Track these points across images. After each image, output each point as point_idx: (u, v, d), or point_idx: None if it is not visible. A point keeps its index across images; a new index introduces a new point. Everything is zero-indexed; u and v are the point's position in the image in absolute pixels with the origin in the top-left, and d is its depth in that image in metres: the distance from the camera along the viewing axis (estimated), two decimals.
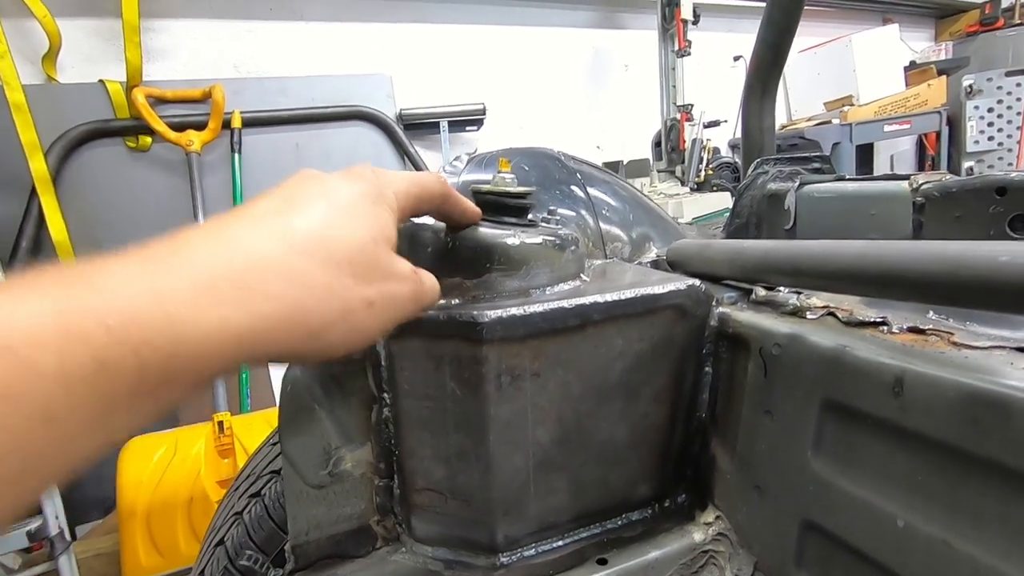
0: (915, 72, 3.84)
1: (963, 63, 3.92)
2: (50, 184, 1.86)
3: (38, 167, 1.83)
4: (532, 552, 0.44)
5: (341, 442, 0.44)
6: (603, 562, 0.43)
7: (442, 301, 0.43)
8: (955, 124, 3.78)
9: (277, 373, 2.16)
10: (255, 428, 1.72)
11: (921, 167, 4.33)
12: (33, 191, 1.85)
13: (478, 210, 0.42)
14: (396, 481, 0.46)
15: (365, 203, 0.30)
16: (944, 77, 3.75)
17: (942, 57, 4.18)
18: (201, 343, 0.21)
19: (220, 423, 1.68)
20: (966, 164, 3.82)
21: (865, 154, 3.80)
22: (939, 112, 3.60)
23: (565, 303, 0.40)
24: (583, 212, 0.58)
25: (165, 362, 0.20)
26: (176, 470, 1.60)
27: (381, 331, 0.29)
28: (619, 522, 0.47)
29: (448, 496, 0.43)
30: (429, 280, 0.33)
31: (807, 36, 3.76)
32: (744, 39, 3.62)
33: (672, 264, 0.57)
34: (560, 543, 0.45)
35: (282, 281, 0.24)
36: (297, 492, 0.44)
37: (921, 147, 4.29)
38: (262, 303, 0.23)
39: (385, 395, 0.44)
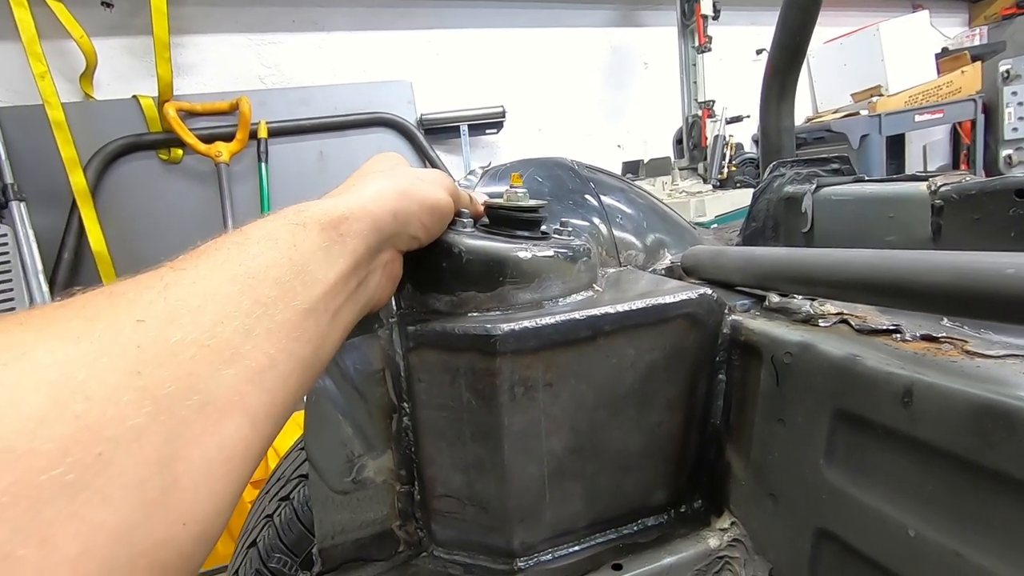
0: (948, 59, 3.71)
1: (999, 48, 3.78)
2: (89, 197, 1.94)
3: (78, 181, 1.92)
4: (548, 557, 0.45)
5: (363, 450, 0.46)
6: (618, 567, 0.44)
7: (457, 314, 0.44)
8: (991, 111, 3.64)
9: None
10: (287, 430, 1.76)
11: (956, 157, 4.19)
12: (73, 204, 1.94)
13: (479, 209, 0.48)
14: (416, 488, 0.47)
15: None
16: (979, 63, 3.62)
17: (976, 42, 4.04)
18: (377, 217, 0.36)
19: None
20: (1004, 152, 3.68)
21: (896, 145, 3.69)
22: (974, 100, 3.48)
23: (577, 315, 0.41)
24: (596, 221, 0.59)
25: (370, 228, 0.35)
26: None
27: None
28: (634, 528, 0.48)
29: (466, 503, 0.45)
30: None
31: (832, 26, 3.67)
32: (766, 31, 3.55)
33: (687, 271, 0.57)
34: (576, 548, 0.46)
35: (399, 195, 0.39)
36: (323, 498, 0.46)
37: (955, 136, 4.15)
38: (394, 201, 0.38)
39: (404, 405, 0.46)
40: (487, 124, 2.68)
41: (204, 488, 0.22)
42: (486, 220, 0.48)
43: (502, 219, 0.47)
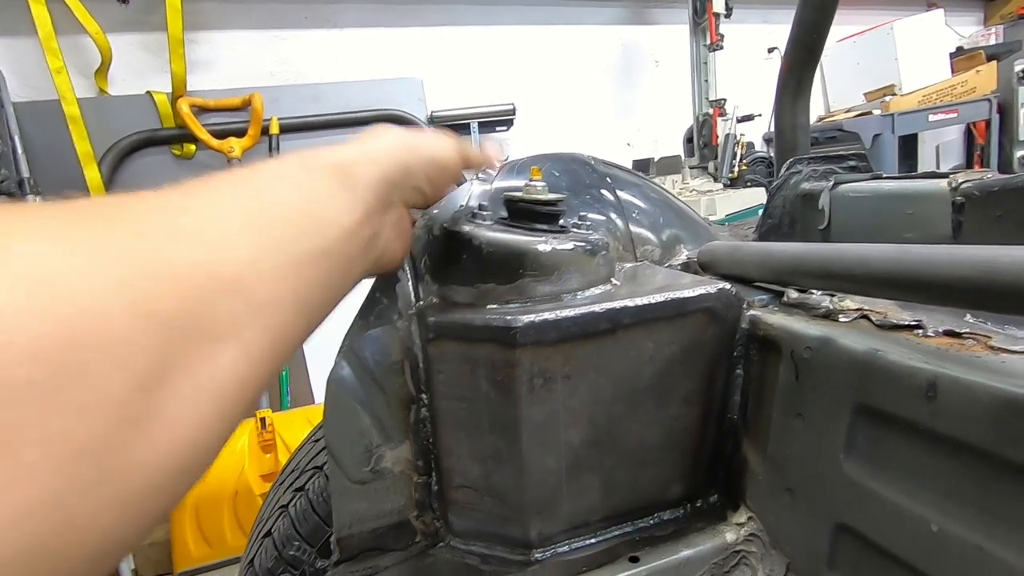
0: (962, 58, 3.67)
1: (1015, 47, 3.73)
2: (103, 192, 1.96)
3: (92, 176, 1.94)
4: (565, 549, 0.45)
5: (381, 440, 0.46)
6: (635, 560, 0.44)
7: (476, 306, 0.44)
8: (1006, 111, 3.60)
9: (316, 371, 2.22)
10: (295, 424, 1.78)
11: (969, 157, 4.14)
12: None
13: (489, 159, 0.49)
14: (434, 478, 0.48)
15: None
16: (994, 63, 3.57)
17: (992, 42, 3.99)
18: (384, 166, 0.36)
19: (262, 419, 1.75)
20: (1019, 153, 3.64)
21: (909, 145, 3.65)
22: (989, 99, 3.44)
23: (596, 307, 0.41)
24: (613, 216, 0.59)
25: (379, 177, 0.35)
26: (221, 464, 1.68)
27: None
28: (651, 521, 0.48)
29: (484, 494, 0.45)
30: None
31: (846, 24, 3.64)
32: (779, 30, 3.54)
33: (703, 266, 0.57)
34: (593, 541, 0.46)
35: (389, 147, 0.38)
36: (341, 487, 0.46)
37: (970, 136, 4.10)
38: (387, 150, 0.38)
39: (423, 396, 0.46)
40: (497, 121, 2.68)
41: (189, 418, 0.20)
42: (505, 213, 0.48)
43: (521, 212, 0.47)
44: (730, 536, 0.46)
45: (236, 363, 0.22)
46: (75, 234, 0.19)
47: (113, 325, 0.18)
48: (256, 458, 1.73)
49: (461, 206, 0.51)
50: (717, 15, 2.74)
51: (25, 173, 1.81)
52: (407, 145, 0.38)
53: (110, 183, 2.01)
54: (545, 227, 0.47)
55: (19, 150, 1.82)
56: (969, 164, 4.10)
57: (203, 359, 0.21)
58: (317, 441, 0.76)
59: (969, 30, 4.27)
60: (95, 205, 0.22)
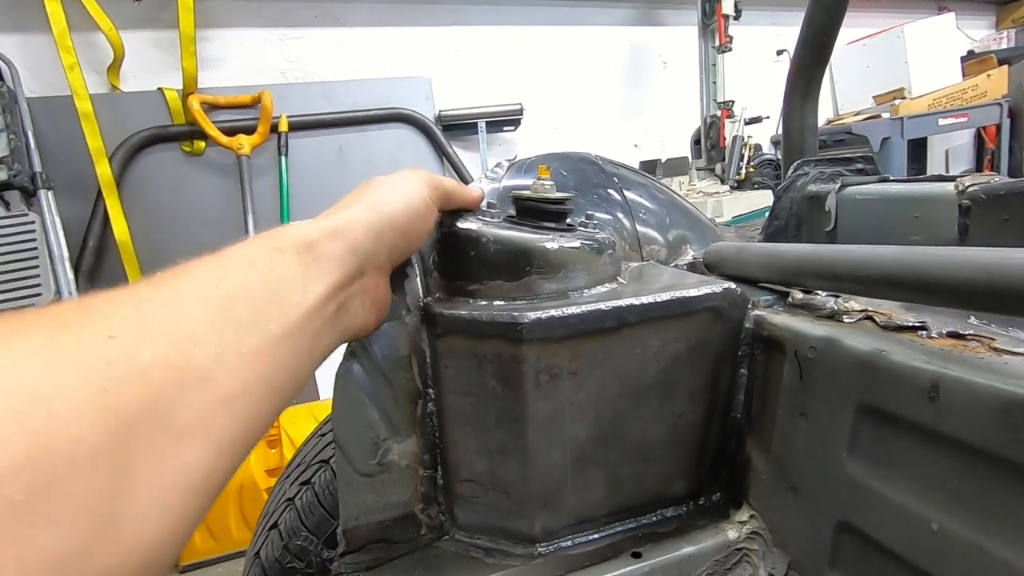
0: (973, 62, 3.65)
1: None
2: (114, 188, 1.98)
3: (103, 171, 1.96)
4: (569, 543, 0.46)
5: (389, 433, 0.47)
6: (638, 556, 0.45)
7: (484, 302, 0.45)
8: (1017, 116, 3.57)
9: (322, 370, 2.23)
10: (300, 420, 1.79)
11: (979, 161, 4.12)
12: (99, 194, 1.98)
13: (477, 196, 0.48)
14: (440, 472, 0.48)
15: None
16: (1005, 67, 3.55)
17: (1004, 46, 3.96)
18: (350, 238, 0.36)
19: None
20: None
21: (918, 149, 3.63)
22: (1000, 104, 3.41)
23: (602, 305, 0.42)
24: (620, 215, 0.60)
25: (345, 250, 0.35)
26: None
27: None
28: (654, 518, 0.48)
29: (489, 488, 0.46)
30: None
31: (855, 27, 3.62)
32: (788, 32, 3.52)
33: (709, 266, 0.57)
34: (596, 536, 0.47)
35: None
36: (348, 479, 0.47)
37: (980, 141, 4.08)
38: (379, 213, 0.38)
39: (430, 391, 0.47)
40: (505, 121, 2.68)
41: (156, 516, 0.21)
42: (513, 211, 0.49)
43: (529, 210, 0.47)
44: (732, 534, 0.46)
45: (203, 457, 0.23)
46: (50, 343, 0.20)
47: (84, 433, 0.19)
48: (261, 453, 1.74)
49: None
50: (726, 17, 2.74)
51: (38, 168, 1.83)
52: (371, 206, 0.38)
53: (121, 179, 2.03)
54: (552, 225, 0.47)
55: (32, 145, 1.84)
56: (979, 169, 4.07)
57: (170, 456, 0.22)
58: (323, 436, 0.76)
59: (980, 34, 4.24)
60: (68, 309, 0.22)
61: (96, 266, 2.01)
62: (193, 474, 0.22)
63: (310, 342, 0.31)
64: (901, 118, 3.12)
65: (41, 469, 0.17)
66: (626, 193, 0.62)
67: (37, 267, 1.74)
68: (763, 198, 2.43)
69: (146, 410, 0.21)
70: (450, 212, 0.47)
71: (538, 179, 0.48)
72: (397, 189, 0.40)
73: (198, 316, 0.25)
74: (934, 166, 3.92)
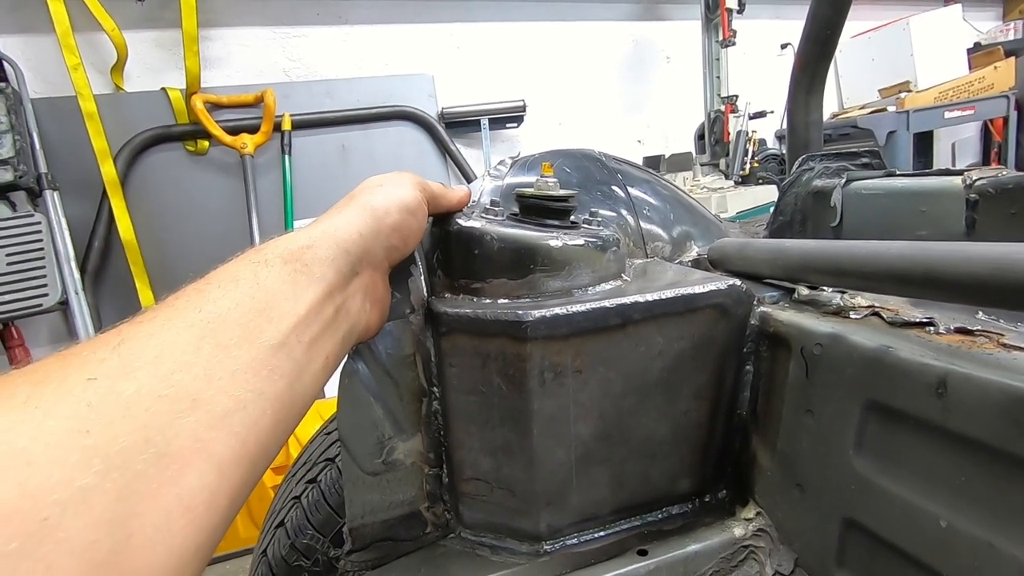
0: (980, 54, 3.61)
1: None
2: (119, 187, 1.99)
3: (108, 171, 1.96)
4: (574, 541, 0.46)
5: (394, 432, 0.47)
6: (643, 553, 0.45)
7: (488, 301, 0.45)
8: None
9: None
10: (307, 418, 1.79)
11: (986, 154, 4.08)
12: (104, 194, 1.99)
13: (462, 196, 0.48)
14: (445, 471, 0.48)
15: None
16: (1012, 59, 3.51)
17: (1011, 37, 3.92)
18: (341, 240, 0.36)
19: None
20: None
21: (924, 143, 3.60)
22: (1007, 96, 3.38)
23: (607, 303, 0.42)
24: (624, 212, 0.59)
25: (336, 252, 0.35)
26: None
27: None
28: (659, 515, 0.48)
29: (494, 486, 0.46)
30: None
31: (861, 20, 3.59)
32: (792, 25, 3.49)
33: (713, 263, 0.57)
34: (601, 534, 0.47)
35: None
36: (354, 478, 0.47)
37: (987, 134, 4.04)
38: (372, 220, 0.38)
39: (434, 389, 0.47)
40: (507, 118, 2.68)
41: (161, 544, 0.21)
42: (516, 209, 0.49)
43: (533, 208, 0.47)
44: (738, 531, 0.46)
45: (204, 477, 0.23)
46: (29, 396, 0.20)
47: (72, 476, 0.19)
48: None
49: (473, 202, 0.51)
50: (730, 11, 2.72)
51: (43, 168, 1.84)
52: (363, 207, 0.38)
53: (125, 179, 2.04)
54: (556, 223, 0.47)
55: (37, 146, 1.85)
56: (986, 162, 4.04)
57: (168, 483, 0.22)
58: (329, 434, 0.77)
59: (987, 25, 4.20)
60: (49, 363, 0.22)
61: (102, 266, 2.02)
62: (196, 497, 0.23)
63: (309, 349, 0.31)
64: (907, 111, 3.09)
65: (29, 516, 0.18)
66: (630, 190, 0.61)
67: (44, 267, 1.75)
68: (767, 193, 2.42)
69: (135, 442, 0.21)
70: (442, 215, 0.47)
71: (541, 176, 0.48)
72: (388, 189, 0.41)
73: (180, 343, 0.25)
74: (940, 159, 3.89)
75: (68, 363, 0.22)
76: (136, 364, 0.23)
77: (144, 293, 2.03)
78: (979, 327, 0.37)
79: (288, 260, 0.32)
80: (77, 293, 1.80)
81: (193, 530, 0.22)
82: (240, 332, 0.27)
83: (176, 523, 0.22)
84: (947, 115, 3.20)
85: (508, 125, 2.74)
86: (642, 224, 0.60)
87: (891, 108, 3.22)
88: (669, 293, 0.43)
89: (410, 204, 0.41)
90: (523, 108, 2.65)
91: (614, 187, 0.60)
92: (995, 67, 3.44)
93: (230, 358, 0.26)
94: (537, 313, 0.40)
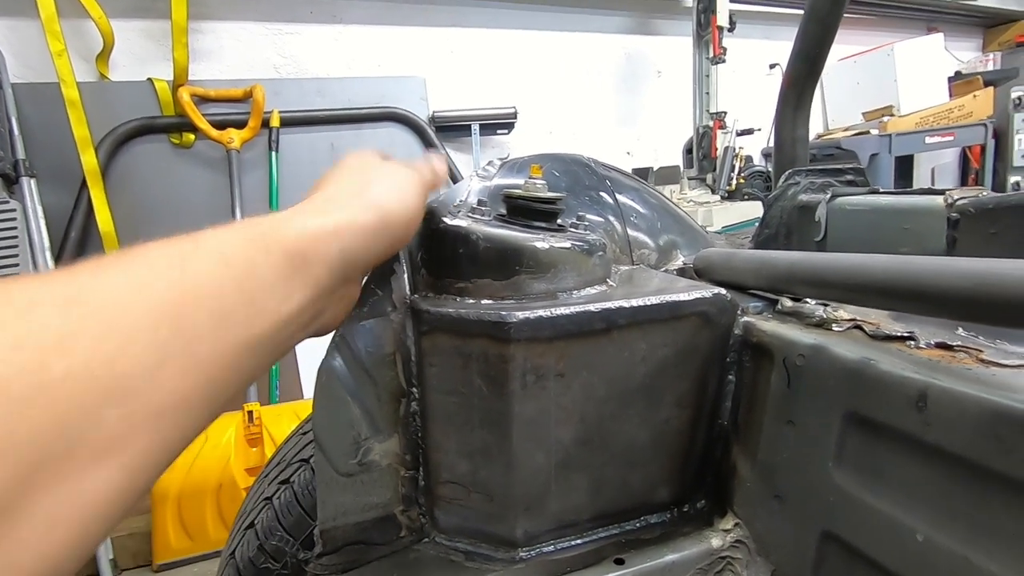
0: (960, 83, 3.72)
1: (1012, 74, 3.78)
2: (99, 177, 1.95)
3: (89, 161, 1.92)
4: (551, 548, 0.45)
5: (370, 433, 0.46)
6: (620, 562, 0.44)
7: (471, 301, 0.44)
8: (1002, 137, 3.65)
9: (306, 367, 2.21)
10: (283, 418, 1.77)
11: (964, 180, 4.19)
12: (83, 184, 1.94)
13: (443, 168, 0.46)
14: (421, 473, 0.47)
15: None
16: (991, 88, 3.62)
17: (990, 68, 4.04)
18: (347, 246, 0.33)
19: (250, 413, 1.73)
20: (1013, 179, 3.69)
21: (905, 166, 3.69)
22: (985, 124, 3.48)
23: (591, 307, 0.41)
24: (611, 218, 0.59)
25: (338, 257, 0.32)
26: (207, 457, 1.66)
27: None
28: (638, 524, 0.48)
29: (471, 490, 0.45)
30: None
31: (847, 44, 3.68)
32: (780, 46, 3.57)
33: (699, 272, 0.57)
34: (579, 541, 0.46)
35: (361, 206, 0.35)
36: (327, 479, 0.46)
37: (965, 160, 4.15)
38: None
39: (414, 389, 0.46)
40: (498, 124, 2.68)
41: (44, 544, 0.18)
42: (503, 210, 0.48)
43: (520, 209, 0.47)
44: (716, 542, 0.46)
45: (112, 480, 0.20)
46: None
47: None
48: (242, 451, 1.72)
49: (460, 201, 0.51)
50: (721, 29, 2.76)
51: (21, 155, 1.80)
52: (378, 210, 0.35)
53: (106, 169, 1.99)
54: (543, 225, 0.47)
55: (16, 132, 1.80)
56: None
57: (71, 479, 0.19)
58: (305, 434, 0.75)
59: (968, 55, 4.33)
60: None
61: (78, 257, 1.97)
62: (97, 497, 0.20)
63: (275, 349, 0.28)
64: (889, 135, 3.17)
65: None
66: (618, 196, 0.61)
67: (17, 256, 1.71)
68: (753, 209, 2.45)
69: (48, 432, 0.18)
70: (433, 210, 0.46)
71: (530, 178, 0.48)
72: (397, 189, 0.37)
73: (138, 320, 0.21)
74: (920, 183, 3.99)
75: (4, 308, 0.19)
76: (79, 334, 0.19)
77: None
78: (958, 342, 0.37)
79: (294, 255, 0.29)
80: None
81: (80, 536, 0.20)
82: (211, 324, 0.24)
83: (65, 528, 0.19)
84: (928, 140, 3.29)
85: (499, 131, 2.75)
86: (629, 231, 0.59)
87: (874, 131, 3.30)
88: (654, 299, 0.43)
89: (414, 213, 0.38)
90: (514, 115, 2.66)
91: (602, 193, 0.60)
92: (974, 96, 3.54)
93: (188, 349, 0.23)
94: (521, 314, 0.40)
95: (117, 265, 0.23)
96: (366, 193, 0.36)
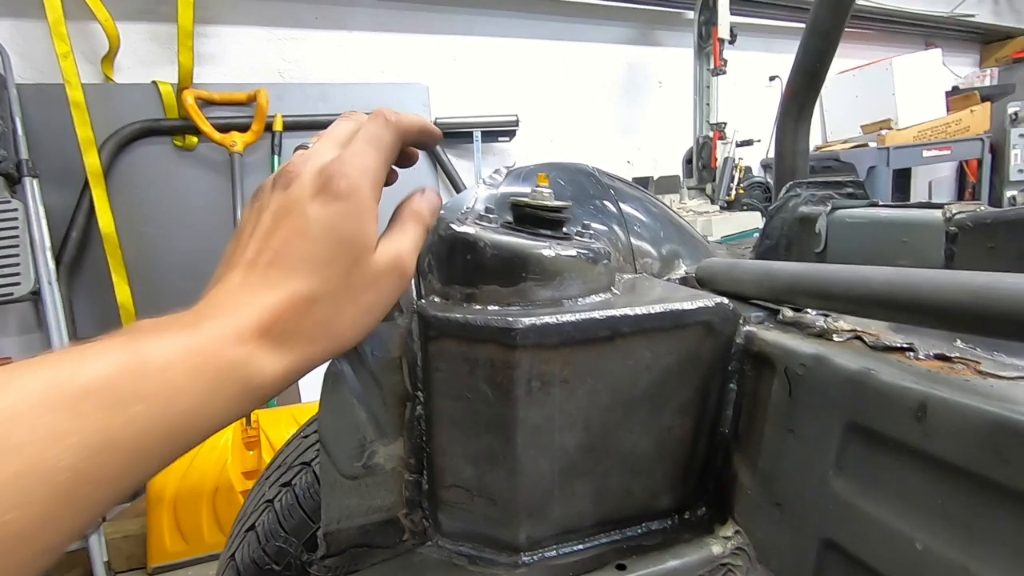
0: (958, 98, 3.76)
1: (1008, 90, 3.83)
2: (101, 179, 1.96)
3: (91, 162, 1.93)
4: (553, 554, 0.45)
5: (375, 436, 0.46)
6: (622, 568, 0.45)
7: (478, 307, 0.45)
8: (998, 152, 3.69)
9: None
10: (281, 422, 1.76)
11: (961, 194, 4.22)
12: (85, 184, 1.95)
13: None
14: (425, 477, 0.48)
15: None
16: (988, 104, 3.66)
17: (987, 83, 4.09)
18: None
19: (247, 416, 1.73)
20: (1009, 193, 3.72)
21: (902, 179, 3.73)
22: (981, 139, 3.52)
23: (597, 314, 0.42)
24: (615, 227, 0.60)
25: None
26: (204, 460, 1.66)
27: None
28: (639, 530, 0.48)
29: (475, 494, 0.45)
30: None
31: (846, 58, 3.72)
32: (780, 59, 3.61)
33: (701, 282, 0.58)
34: (581, 547, 0.46)
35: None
36: (332, 481, 0.46)
37: (962, 174, 4.19)
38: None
39: (419, 394, 0.46)
40: (500, 131, 2.70)
41: None
42: (510, 217, 0.49)
43: (527, 217, 0.47)
44: (716, 549, 0.46)
45: None
46: None
47: None
48: (239, 455, 1.71)
49: (467, 208, 0.52)
50: (722, 41, 2.79)
51: (24, 155, 1.80)
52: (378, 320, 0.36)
53: (109, 170, 2.00)
54: (549, 233, 0.47)
55: (19, 131, 1.81)
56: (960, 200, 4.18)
57: None
58: (306, 437, 0.75)
59: (965, 71, 4.37)
60: None
61: (78, 258, 1.98)
62: None
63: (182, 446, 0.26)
64: (887, 148, 3.20)
65: None
66: (622, 206, 0.62)
67: (17, 255, 1.71)
68: (751, 219, 2.47)
69: None
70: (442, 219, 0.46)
71: (537, 187, 0.48)
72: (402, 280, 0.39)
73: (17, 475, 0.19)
74: (917, 196, 4.02)
75: None
76: None
77: (120, 288, 1.98)
78: (957, 354, 0.37)
79: (251, 389, 0.27)
80: (50, 284, 1.75)
81: None
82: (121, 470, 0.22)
83: None
84: (925, 154, 3.32)
85: (500, 139, 2.77)
86: (632, 240, 0.60)
87: (872, 144, 3.33)
88: (658, 308, 0.43)
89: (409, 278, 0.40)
90: (516, 123, 2.68)
91: (607, 202, 0.61)
92: (971, 111, 3.58)
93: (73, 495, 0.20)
94: (527, 321, 0.40)
95: (13, 379, 0.21)
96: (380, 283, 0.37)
